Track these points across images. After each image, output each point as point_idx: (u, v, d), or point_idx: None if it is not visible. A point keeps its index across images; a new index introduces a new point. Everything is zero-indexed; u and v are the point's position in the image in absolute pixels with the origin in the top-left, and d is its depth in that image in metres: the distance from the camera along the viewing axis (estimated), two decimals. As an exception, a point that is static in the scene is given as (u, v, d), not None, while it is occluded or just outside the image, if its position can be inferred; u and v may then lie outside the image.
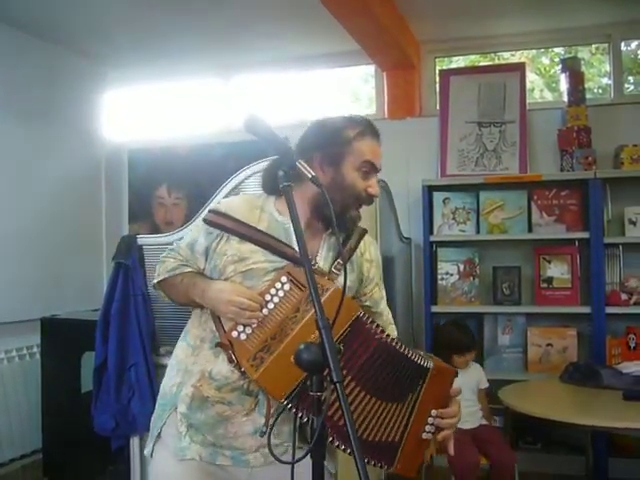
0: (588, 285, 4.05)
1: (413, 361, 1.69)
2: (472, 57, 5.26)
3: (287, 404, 1.56)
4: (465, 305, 4.23)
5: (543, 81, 5.34)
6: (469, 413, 3.50)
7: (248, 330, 1.65)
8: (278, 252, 1.72)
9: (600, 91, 4.97)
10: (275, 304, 1.66)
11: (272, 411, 1.65)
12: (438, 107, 4.72)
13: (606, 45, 4.74)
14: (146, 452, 1.85)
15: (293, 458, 1.41)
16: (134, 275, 2.99)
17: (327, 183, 1.71)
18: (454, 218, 4.26)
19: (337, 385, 1.26)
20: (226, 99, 5.39)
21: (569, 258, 4.12)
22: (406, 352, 1.69)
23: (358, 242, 1.90)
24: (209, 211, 1.83)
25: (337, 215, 1.67)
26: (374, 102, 5.15)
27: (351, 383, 1.63)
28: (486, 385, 3.64)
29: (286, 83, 5.38)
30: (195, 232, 1.84)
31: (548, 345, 4.11)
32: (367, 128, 1.82)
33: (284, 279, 1.67)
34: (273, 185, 1.78)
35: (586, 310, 3.98)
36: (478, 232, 4.28)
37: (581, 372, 3.52)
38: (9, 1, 4.01)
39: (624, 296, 3.98)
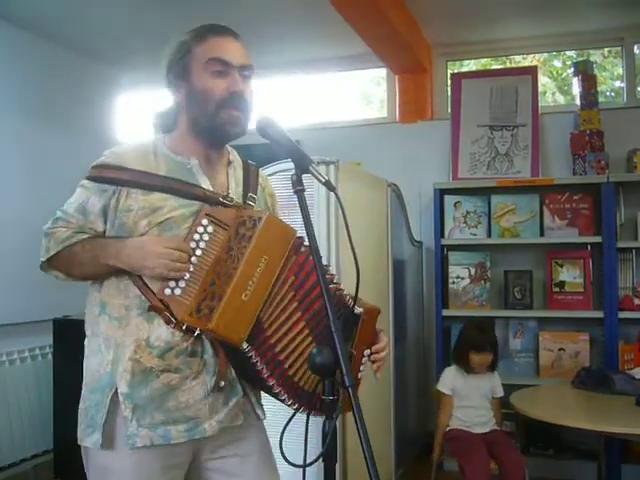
0: (600, 289, 4.02)
1: (348, 307, 1.62)
2: (484, 60, 5.25)
3: (246, 348, 1.49)
4: (476, 309, 4.21)
5: (555, 84, 5.32)
6: (480, 418, 3.47)
7: (181, 284, 1.53)
8: (190, 195, 1.60)
9: (613, 94, 4.95)
10: (202, 249, 1.55)
11: (223, 366, 1.58)
12: (450, 110, 4.72)
13: (619, 48, 4.72)
14: (91, 444, 1.61)
15: (305, 461, 1.41)
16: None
17: (184, 99, 1.67)
18: (465, 222, 4.25)
19: (349, 389, 1.26)
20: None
21: (581, 262, 4.10)
22: (341, 294, 1.63)
23: (257, 176, 1.81)
24: (94, 167, 1.65)
25: (209, 127, 1.63)
26: (385, 105, 5.15)
27: (297, 312, 1.56)
28: (501, 394, 3.56)
29: (297, 86, 5.39)
30: (83, 194, 1.65)
31: (560, 350, 4.08)
32: (207, 30, 1.70)
33: (205, 221, 1.57)
34: (163, 122, 1.73)
35: (599, 315, 3.95)
36: (489, 236, 4.26)
37: (593, 377, 3.49)
38: (24, 5, 4.03)
39: (637, 301, 3.96)
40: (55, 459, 3.91)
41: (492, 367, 3.55)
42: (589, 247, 4.11)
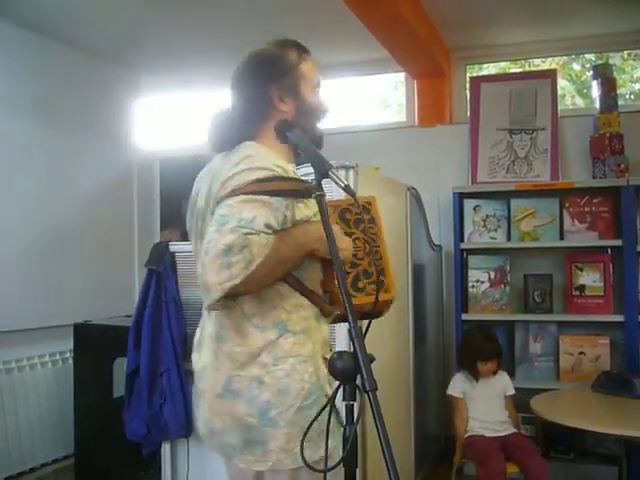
0: (621, 293, 3.99)
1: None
2: (503, 64, 5.24)
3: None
4: (496, 313, 4.19)
5: (574, 87, 5.29)
6: (497, 421, 3.47)
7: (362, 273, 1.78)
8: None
9: (632, 97, 4.91)
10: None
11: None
12: (469, 114, 4.71)
13: (638, 51, 4.68)
14: (318, 456, 1.56)
15: (325, 465, 1.42)
16: (166, 282, 3.03)
17: (293, 112, 1.78)
18: (485, 225, 4.24)
19: (370, 394, 1.27)
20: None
21: (601, 266, 4.07)
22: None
23: None
24: (268, 180, 1.58)
25: (312, 137, 1.74)
26: (404, 109, 5.15)
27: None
28: (512, 392, 3.58)
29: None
30: (262, 208, 1.54)
31: (580, 354, 4.05)
32: (302, 48, 1.87)
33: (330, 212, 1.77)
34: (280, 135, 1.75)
35: (619, 319, 3.92)
36: (509, 239, 4.25)
37: (614, 381, 3.48)
38: (41, 10, 4.08)
39: (658, 305, 3.92)
40: (75, 463, 3.95)
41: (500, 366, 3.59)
42: (609, 251, 4.09)
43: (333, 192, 2.07)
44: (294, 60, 1.81)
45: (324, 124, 1.88)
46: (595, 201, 4.11)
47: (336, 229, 1.63)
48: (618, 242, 3.95)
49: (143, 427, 3.02)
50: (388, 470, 1.23)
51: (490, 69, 5.24)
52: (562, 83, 5.04)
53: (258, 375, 1.62)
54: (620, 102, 4.38)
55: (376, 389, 1.28)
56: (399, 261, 3.56)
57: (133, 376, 3.04)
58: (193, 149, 5.10)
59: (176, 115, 5.85)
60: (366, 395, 1.27)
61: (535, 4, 4.12)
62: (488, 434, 3.43)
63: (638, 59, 4.73)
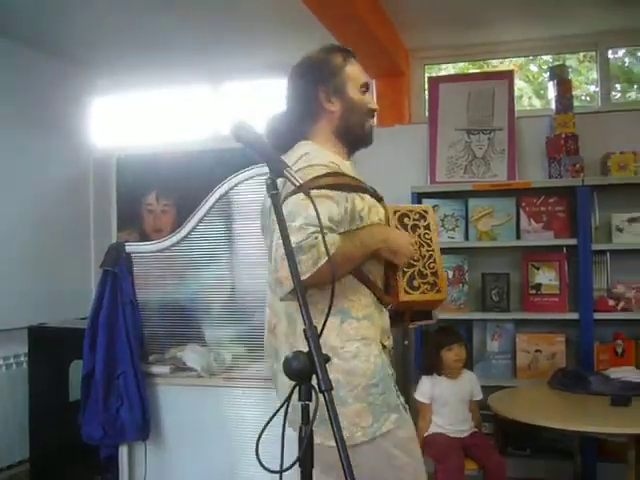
0: (576, 291, 4.06)
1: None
2: (461, 64, 5.29)
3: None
4: (454, 312, 4.22)
5: (532, 88, 5.37)
6: (460, 422, 3.48)
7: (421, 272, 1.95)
8: (373, 195, 1.95)
9: (588, 99, 5.00)
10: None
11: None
12: (427, 114, 4.74)
13: (593, 53, 4.77)
14: (392, 424, 1.84)
15: (281, 467, 1.41)
16: (122, 283, 3.00)
17: (340, 111, 1.97)
18: (443, 225, 4.27)
19: (325, 394, 1.27)
20: (216, 106, 5.39)
21: (557, 265, 4.13)
22: None
23: None
24: (326, 176, 1.77)
25: (359, 135, 2.00)
26: (363, 109, 5.16)
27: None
28: (480, 397, 3.56)
29: (277, 89, 5.38)
30: (325, 202, 1.73)
31: (537, 351, 4.11)
32: (346, 52, 2.06)
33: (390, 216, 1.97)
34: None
35: (574, 316, 3.99)
36: (467, 239, 4.29)
37: (569, 378, 3.53)
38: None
39: (611, 302, 4.00)
40: (31, 468, 3.87)
41: (466, 364, 3.58)
42: (565, 249, 4.15)
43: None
44: (339, 63, 2.00)
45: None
46: (551, 201, 4.17)
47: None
48: (573, 241, 4.02)
49: (99, 430, 2.98)
50: (344, 468, 1.23)
51: (449, 69, 5.28)
52: (520, 84, 5.11)
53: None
54: (576, 103, 4.46)
55: (331, 389, 1.28)
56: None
57: (89, 379, 2.99)
58: (152, 147, 5.07)
59: (135, 114, 5.78)
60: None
61: (493, 6, 4.17)
62: (450, 435, 3.45)
63: (593, 61, 4.81)
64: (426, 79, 4.96)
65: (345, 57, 2.03)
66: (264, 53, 4.85)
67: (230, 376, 3.00)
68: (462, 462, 3.24)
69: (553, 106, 4.39)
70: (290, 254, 1.39)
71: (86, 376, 3.00)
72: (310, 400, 1.33)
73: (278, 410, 1.40)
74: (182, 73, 5.26)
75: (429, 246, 1.97)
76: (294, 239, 1.59)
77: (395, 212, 1.98)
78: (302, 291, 1.36)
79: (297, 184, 1.45)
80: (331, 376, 1.65)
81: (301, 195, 1.64)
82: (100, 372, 2.95)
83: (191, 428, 3.01)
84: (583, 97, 5.03)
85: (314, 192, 1.64)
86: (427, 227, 2.00)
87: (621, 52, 4.95)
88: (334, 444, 1.60)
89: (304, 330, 1.32)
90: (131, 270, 3.04)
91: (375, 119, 2.07)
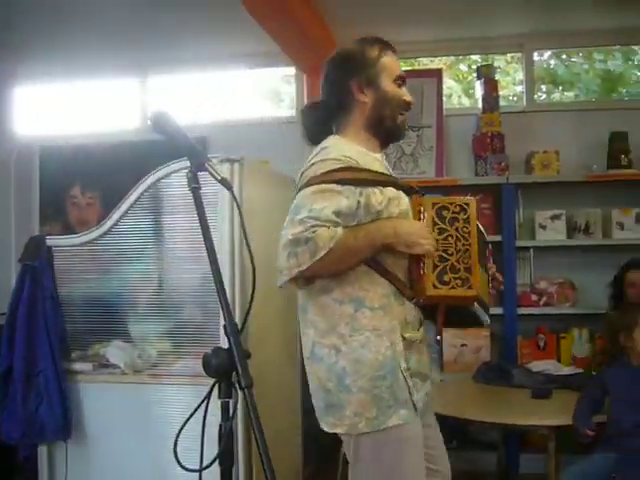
0: (501, 287, 4.15)
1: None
2: (392, 62, 5.31)
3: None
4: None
5: (461, 88, 5.46)
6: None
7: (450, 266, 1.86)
8: (400, 187, 1.92)
9: (515, 99, 5.12)
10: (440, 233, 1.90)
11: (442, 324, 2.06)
12: (357, 110, 4.74)
13: (519, 54, 4.88)
14: (401, 420, 1.81)
15: (201, 465, 1.39)
16: (42, 277, 2.90)
17: (373, 102, 1.96)
18: (372, 221, 4.29)
19: (246, 391, 1.25)
20: (142, 98, 5.27)
21: (483, 261, 4.21)
22: None
23: None
24: (336, 170, 1.77)
25: (391, 127, 1.98)
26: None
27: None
28: None
29: (205, 83, 5.31)
30: (334, 197, 1.74)
31: (462, 345, 4.19)
32: (383, 44, 2.04)
33: (421, 209, 1.91)
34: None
35: (498, 311, 4.07)
36: (396, 235, 4.32)
37: (493, 372, 3.62)
38: None
39: (534, 297, 4.12)
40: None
41: None
42: (490, 246, 4.23)
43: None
44: (375, 55, 1.99)
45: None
46: (477, 198, 4.24)
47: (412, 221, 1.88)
48: (498, 237, 4.10)
49: (18, 429, 2.87)
50: (263, 465, 1.22)
51: (380, 66, 5.30)
52: (449, 83, 5.18)
53: (336, 344, 1.82)
54: (503, 103, 4.56)
55: (251, 386, 1.27)
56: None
57: (6, 376, 2.88)
58: (76, 138, 4.93)
59: (59, 105, 5.60)
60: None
61: (425, 5, 4.21)
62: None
63: (520, 62, 4.93)
64: (358, 75, 4.96)
65: (382, 49, 2.02)
66: (194, 46, 4.75)
67: (155, 373, 2.93)
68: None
69: (480, 105, 4.48)
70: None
71: (4, 374, 2.89)
72: (230, 397, 1.31)
73: (197, 408, 1.38)
74: (109, 64, 5.11)
75: (466, 240, 1.88)
76: (293, 231, 1.69)
77: (434, 205, 1.91)
78: (222, 289, 1.34)
79: (218, 178, 1.43)
80: (337, 364, 1.80)
81: (311, 188, 1.74)
82: (18, 369, 2.84)
83: (115, 427, 2.93)
84: (510, 97, 5.15)
85: (323, 186, 1.74)
86: (466, 220, 1.91)
87: (547, 54, 5.08)
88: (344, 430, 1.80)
89: (224, 326, 1.30)
90: (52, 264, 2.94)
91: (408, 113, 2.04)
